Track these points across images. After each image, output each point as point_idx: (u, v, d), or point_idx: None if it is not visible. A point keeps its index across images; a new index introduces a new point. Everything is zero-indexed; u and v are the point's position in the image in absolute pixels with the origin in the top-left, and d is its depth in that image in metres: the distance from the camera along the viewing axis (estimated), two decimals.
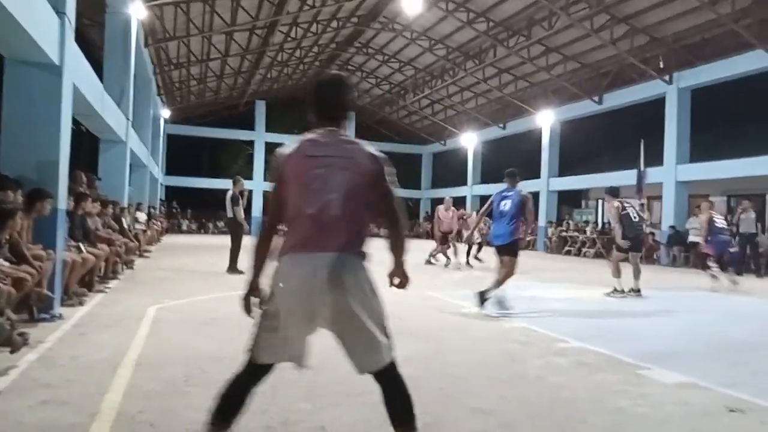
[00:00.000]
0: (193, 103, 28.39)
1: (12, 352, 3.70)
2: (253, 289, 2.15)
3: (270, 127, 30.70)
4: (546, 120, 21.82)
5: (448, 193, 28.54)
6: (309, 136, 2.19)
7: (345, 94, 2.29)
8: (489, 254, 13.00)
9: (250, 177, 27.88)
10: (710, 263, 9.92)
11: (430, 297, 7.61)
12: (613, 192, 8.54)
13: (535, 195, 22.78)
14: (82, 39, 11.33)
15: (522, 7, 16.84)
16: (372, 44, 23.38)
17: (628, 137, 19.64)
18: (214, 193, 27.36)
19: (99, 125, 10.73)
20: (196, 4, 16.50)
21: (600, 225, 20.69)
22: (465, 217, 14.22)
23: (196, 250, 16.13)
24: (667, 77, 16.52)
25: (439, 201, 13.46)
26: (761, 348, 5.04)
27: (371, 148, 2.17)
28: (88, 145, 18.15)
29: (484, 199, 28.93)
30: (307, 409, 3.00)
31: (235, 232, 9.98)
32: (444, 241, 12.54)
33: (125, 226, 10.52)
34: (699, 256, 10.56)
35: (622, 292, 8.13)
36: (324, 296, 2.00)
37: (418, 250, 12.48)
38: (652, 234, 16.73)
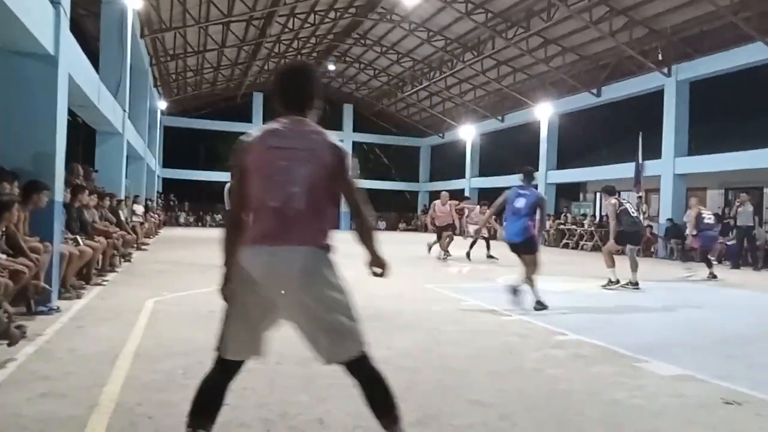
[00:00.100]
0: (189, 94, 28.26)
1: (10, 345, 3.70)
2: (229, 279, 2.13)
3: (267, 119, 30.45)
4: (544, 112, 21.78)
5: (447, 185, 28.56)
6: (272, 125, 2.16)
7: (310, 83, 2.23)
8: (495, 249, 13.04)
9: None
10: (710, 257, 10.10)
11: (428, 290, 7.62)
12: (609, 190, 8.70)
13: (534, 188, 22.80)
14: (77, 29, 11.22)
15: None
16: (370, 35, 23.27)
17: (626, 130, 19.63)
18: (212, 186, 27.32)
19: (95, 117, 10.68)
20: None
21: (598, 218, 20.73)
22: (466, 211, 14.12)
23: (194, 242, 16.11)
24: (665, 70, 16.48)
25: (437, 194, 13.36)
26: (757, 341, 5.07)
27: (334, 139, 2.15)
28: (84, 137, 18.08)
29: (482, 191, 28.92)
30: (305, 402, 3.01)
31: None
32: (440, 236, 12.45)
33: (122, 218, 10.49)
34: (685, 250, 10.78)
35: (617, 282, 8.18)
36: (288, 289, 1.99)
37: (416, 242, 12.49)
38: (650, 227, 16.76)
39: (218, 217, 28.51)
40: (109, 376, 3.31)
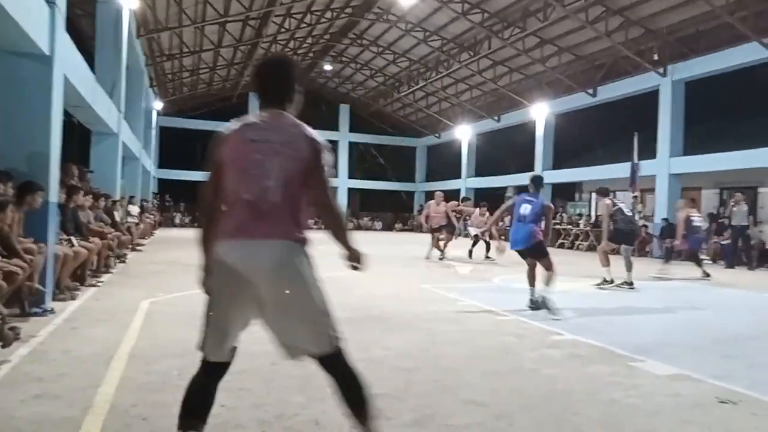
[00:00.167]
0: (185, 95, 28.20)
1: (3, 346, 3.68)
2: (208, 270, 2.13)
3: None
4: (540, 112, 21.81)
5: (443, 185, 28.58)
6: (250, 118, 2.16)
7: (288, 76, 2.22)
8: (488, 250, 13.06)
9: None
10: (701, 257, 10.16)
11: (424, 290, 7.62)
12: (603, 192, 8.81)
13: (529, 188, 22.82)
14: (72, 29, 11.18)
15: None
16: (366, 35, 23.26)
17: (621, 130, 19.68)
18: None
19: (90, 117, 10.63)
20: None
21: (594, 218, 20.77)
22: (464, 214, 14.05)
23: (189, 243, 15.94)
24: (661, 69, 16.52)
25: (433, 194, 13.25)
26: (753, 340, 5.08)
27: (312, 132, 2.12)
28: (79, 138, 17.98)
29: (478, 192, 28.94)
30: (301, 403, 3.00)
31: None
32: (435, 234, 12.32)
33: (117, 219, 10.45)
34: (671, 250, 10.84)
35: (612, 282, 8.21)
36: (261, 283, 1.97)
37: (412, 243, 12.48)
38: (645, 227, 16.81)
39: None
40: (103, 378, 3.29)
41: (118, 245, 9.23)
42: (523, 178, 25.25)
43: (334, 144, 32.79)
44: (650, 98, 17.42)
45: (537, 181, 6.48)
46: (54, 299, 5.64)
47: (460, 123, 27.53)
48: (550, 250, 6.33)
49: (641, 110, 18.92)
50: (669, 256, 10.76)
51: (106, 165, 12.16)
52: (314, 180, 2.08)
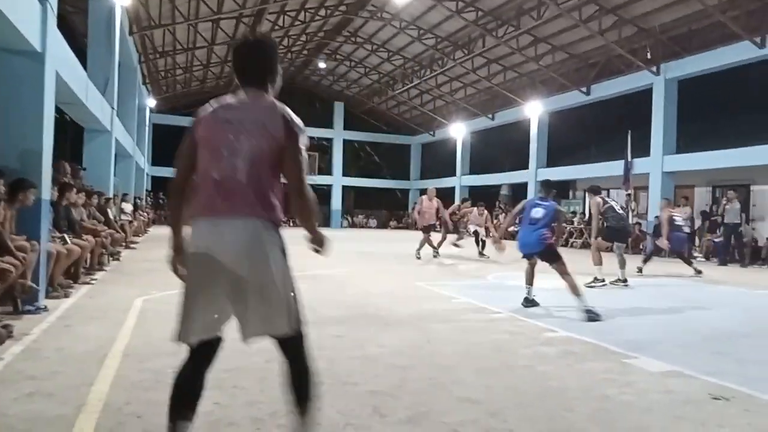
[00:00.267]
0: (179, 92, 28.07)
1: None
2: (176, 249, 2.13)
3: None
4: (534, 111, 21.87)
5: (437, 183, 28.59)
6: (227, 98, 2.17)
7: (265, 57, 2.21)
8: (489, 248, 13.09)
9: None
10: (692, 254, 10.24)
11: (419, 288, 7.63)
12: (594, 190, 8.79)
13: (524, 186, 22.89)
14: (64, 26, 11.11)
15: None
16: (360, 33, 23.22)
17: (615, 128, 19.72)
18: None
19: (83, 114, 10.57)
20: None
21: (587, 215, 20.85)
22: (464, 215, 14.00)
23: None
24: (654, 68, 16.60)
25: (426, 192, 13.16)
26: (745, 337, 5.12)
27: (289, 114, 2.11)
28: (72, 135, 17.88)
29: (473, 189, 28.97)
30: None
31: None
32: (426, 233, 12.09)
33: (111, 217, 10.41)
34: (654, 249, 10.92)
35: (603, 281, 8.22)
36: (226, 261, 1.96)
37: (407, 240, 12.48)
38: (639, 224, 16.89)
39: None
40: (97, 376, 3.28)
41: (111, 243, 9.20)
42: (518, 176, 25.38)
43: (328, 141, 32.82)
44: (643, 96, 17.50)
45: (547, 185, 6.45)
46: (47, 297, 5.61)
47: (454, 121, 27.56)
48: None
49: (635, 108, 19.01)
50: (651, 254, 10.82)
51: (99, 162, 12.10)
52: (288, 161, 2.07)
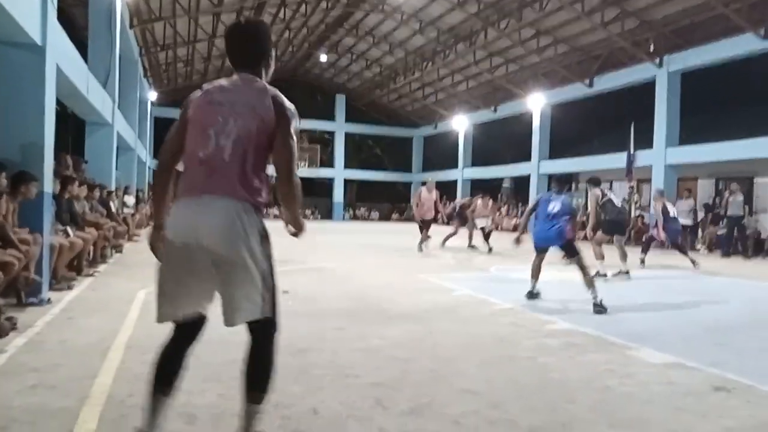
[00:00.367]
0: (180, 85, 27.99)
1: (0, 337, 3.67)
2: (158, 227, 2.13)
3: None
4: (536, 103, 21.80)
5: (439, 176, 28.59)
6: (220, 81, 2.18)
7: (257, 41, 2.22)
8: (496, 241, 13.08)
9: None
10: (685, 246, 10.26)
11: (420, 280, 7.64)
12: (594, 181, 8.76)
13: (526, 178, 22.86)
14: (65, 19, 11.08)
15: None
16: (362, 26, 23.13)
17: (618, 121, 19.68)
18: None
19: (84, 107, 10.56)
20: None
21: (589, 208, 20.82)
22: (468, 207, 13.77)
23: None
24: (657, 61, 16.52)
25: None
26: (746, 328, 5.11)
27: (280, 98, 2.10)
28: (74, 128, 17.89)
29: (475, 182, 28.90)
30: (298, 392, 3.01)
31: None
32: (422, 228, 11.97)
33: (113, 209, 10.41)
34: (648, 239, 10.88)
35: (605, 275, 8.18)
36: (205, 239, 1.96)
37: (409, 233, 12.47)
38: (641, 217, 16.87)
39: None
40: (100, 368, 3.29)
41: (114, 235, 9.21)
42: (520, 169, 25.34)
43: (330, 134, 32.78)
44: (646, 89, 17.43)
45: (561, 181, 6.46)
46: (50, 289, 5.63)
47: (456, 113, 27.49)
48: None
49: (637, 101, 18.94)
50: (648, 244, 10.78)
51: (100, 155, 12.10)
52: (278, 146, 2.07)
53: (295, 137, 2.09)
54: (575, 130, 23.64)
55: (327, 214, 32.20)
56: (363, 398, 2.95)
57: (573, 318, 5.25)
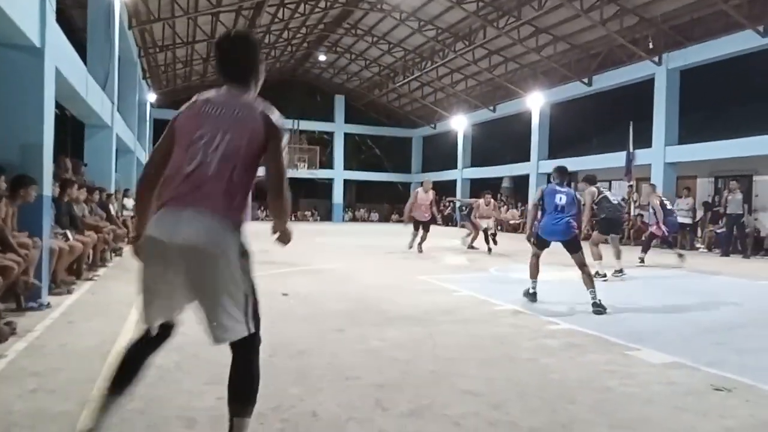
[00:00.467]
0: (179, 86, 27.99)
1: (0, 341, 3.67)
2: (140, 235, 2.14)
3: None
4: (536, 102, 21.78)
5: (439, 176, 28.61)
6: (208, 93, 2.16)
7: (246, 53, 2.20)
8: (503, 241, 13.08)
9: None
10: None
11: (421, 281, 7.64)
12: (590, 179, 8.78)
13: (525, 178, 22.85)
14: (63, 20, 11.05)
15: None
16: (360, 25, 23.11)
17: (617, 119, 19.68)
18: None
19: (83, 109, 10.55)
20: None
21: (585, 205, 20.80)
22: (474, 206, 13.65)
23: None
24: (656, 58, 16.51)
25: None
26: (746, 327, 5.11)
27: (269, 112, 2.09)
28: (73, 131, 17.88)
29: (474, 182, 28.83)
30: (297, 395, 3.01)
31: None
32: (417, 228, 11.85)
33: (113, 212, 10.41)
34: (648, 237, 10.86)
35: (604, 276, 8.14)
36: (182, 250, 1.95)
37: (409, 234, 12.43)
38: (641, 216, 16.86)
39: None
40: (100, 372, 3.28)
41: (113, 239, 9.21)
42: (519, 168, 25.26)
43: (329, 135, 32.75)
44: (645, 87, 17.40)
45: (563, 171, 6.21)
46: (50, 293, 5.63)
47: (455, 113, 27.47)
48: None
49: (636, 99, 18.93)
50: (649, 242, 10.77)
51: (100, 158, 12.08)
52: (268, 161, 2.07)
53: (285, 152, 2.09)
54: (574, 129, 23.64)
55: (326, 216, 32.19)
56: (363, 400, 2.95)
57: (573, 318, 5.26)
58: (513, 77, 22.78)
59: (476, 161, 27.85)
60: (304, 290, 6.51)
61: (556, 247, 6.17)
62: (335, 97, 31.99)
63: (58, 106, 8.28)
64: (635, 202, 16.06)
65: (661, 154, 16.54)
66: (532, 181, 22.23)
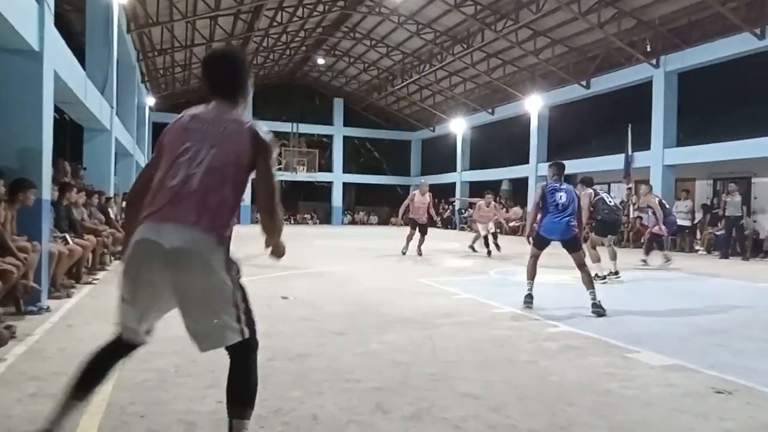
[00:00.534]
0: (178, 90, 28.01)
1: None
2: (125, 248, 2.14)
3: (256, 114, 30.36)
4: (534, 105, 21.83)
5: (438, 179, 28.64)
6: (195, 109, 2.18)
7: (233, 70, 2.21)
8: (505, 242, 13.08)
9: None
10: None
11: (421, 284, 7.63)
12: (586, 182, 8.75)
13: (524, 180, 22.88)
14: (62, 24, 11.08)
15: None
16: (359, 28, 23.16)
17: (615, 122, 19.70)
18: None
19: (82, 113, 10.55)
20: None
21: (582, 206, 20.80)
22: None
23: None
24: (654, 61, 16.56)
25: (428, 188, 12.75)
26: (745, 329, 5.12)
27: (257, 129, 2.09)
28: (71, 134, 17.88)
29: (473, 185, 28.87)
30: (298, 397, 3.01)
31: None
32: (413, 230, 11.81)
33: (112, 216, 10.40)
34: (649, 239, 10.83)
35: (603, 278, 8.12)
36: (164, 267, 1.95)
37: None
38: (640, 218, 16.88)
39: None
40: None
41: (113, 242, 9.19)
42: (518, 171, 25.23)
43: (328, 138, 32.77)
44: (643, 89, 17.45)
45: (561, 167, 6.13)
46: (49, 297, 5.62)
47: (454, 116, 27.52)
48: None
49: (635, 102, 18.95)
50: (651, 244, 10.76)
51: (99, 161, 12.08)
52: (258, 181, 2.08)
53: (275, 170, 2.10)
54: (573, 131, 23.66)
55: (326, 219, 32.19)
56: (363, 403, 2.95)
57: (572, 321, 5.26)
58: (511, 80, 22.83)
59: (475, 164, 27.88)
60: (304, 293, 6.51)
61: (555, 250, 6.17)
62: (334, 100, 32.03)
63: (57, 109, 8.29)
64: (634, 204, 16.07)
65: (659, 156, 16.58)
66: (531, 183, 22.25)
